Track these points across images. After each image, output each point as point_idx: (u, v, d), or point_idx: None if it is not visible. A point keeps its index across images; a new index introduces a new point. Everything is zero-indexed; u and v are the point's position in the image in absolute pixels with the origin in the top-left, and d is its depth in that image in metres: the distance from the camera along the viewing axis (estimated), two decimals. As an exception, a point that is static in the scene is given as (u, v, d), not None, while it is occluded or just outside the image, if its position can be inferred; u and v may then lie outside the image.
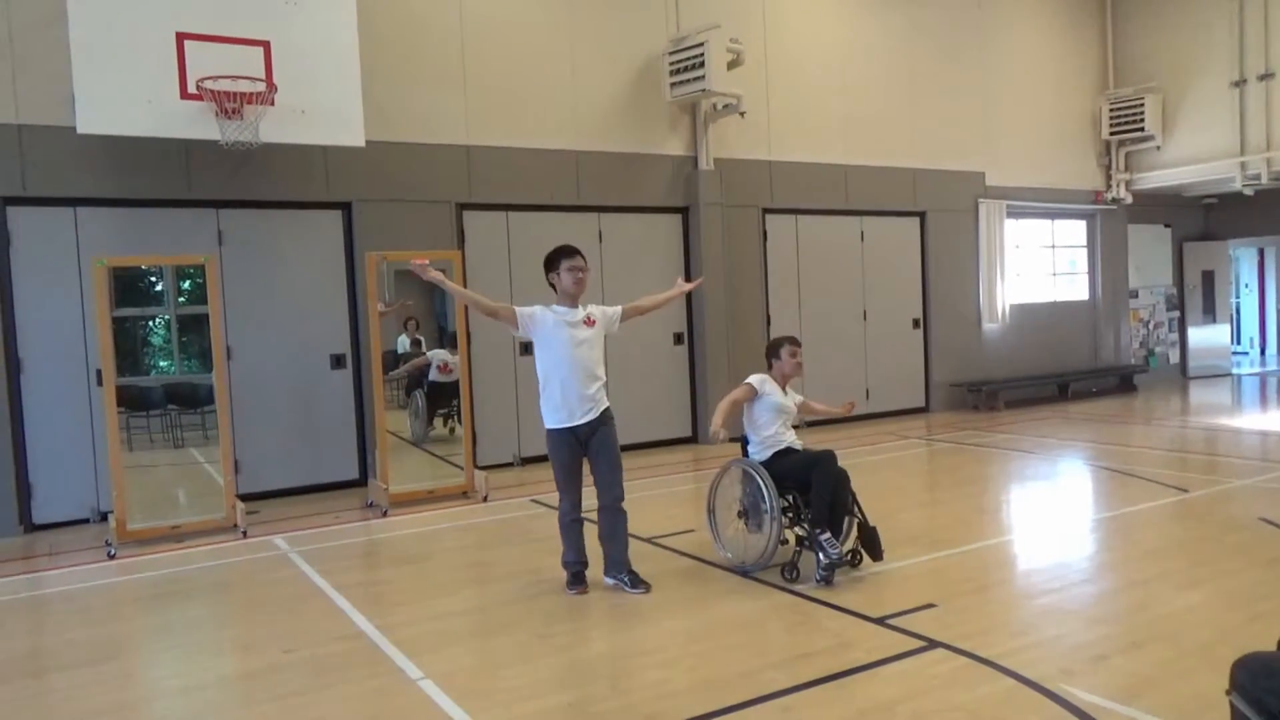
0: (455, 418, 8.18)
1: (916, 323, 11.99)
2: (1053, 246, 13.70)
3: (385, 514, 7.15)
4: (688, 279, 9.82)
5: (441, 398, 8.61)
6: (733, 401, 5.26)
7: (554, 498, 5.24)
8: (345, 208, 8.30)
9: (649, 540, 6.07)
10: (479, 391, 8.79)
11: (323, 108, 7.21)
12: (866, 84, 11.34)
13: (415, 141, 8.52)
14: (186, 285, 8.13)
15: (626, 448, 9.32)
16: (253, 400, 7.92)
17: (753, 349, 10.36)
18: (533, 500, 7.53)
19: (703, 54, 9.33)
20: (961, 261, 12.27)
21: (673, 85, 9.64)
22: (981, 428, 10.58)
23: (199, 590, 5.45)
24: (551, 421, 4.83)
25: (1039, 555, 5.54)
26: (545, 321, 4.85)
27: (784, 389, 5.42)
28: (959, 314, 12.28)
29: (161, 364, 8.20)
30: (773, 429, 5.30)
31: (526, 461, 9.08)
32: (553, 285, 4.92)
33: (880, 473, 8.02)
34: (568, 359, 4.80)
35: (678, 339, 10.19)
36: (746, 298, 10.46)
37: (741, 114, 9.82)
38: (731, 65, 9.58)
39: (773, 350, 5.47)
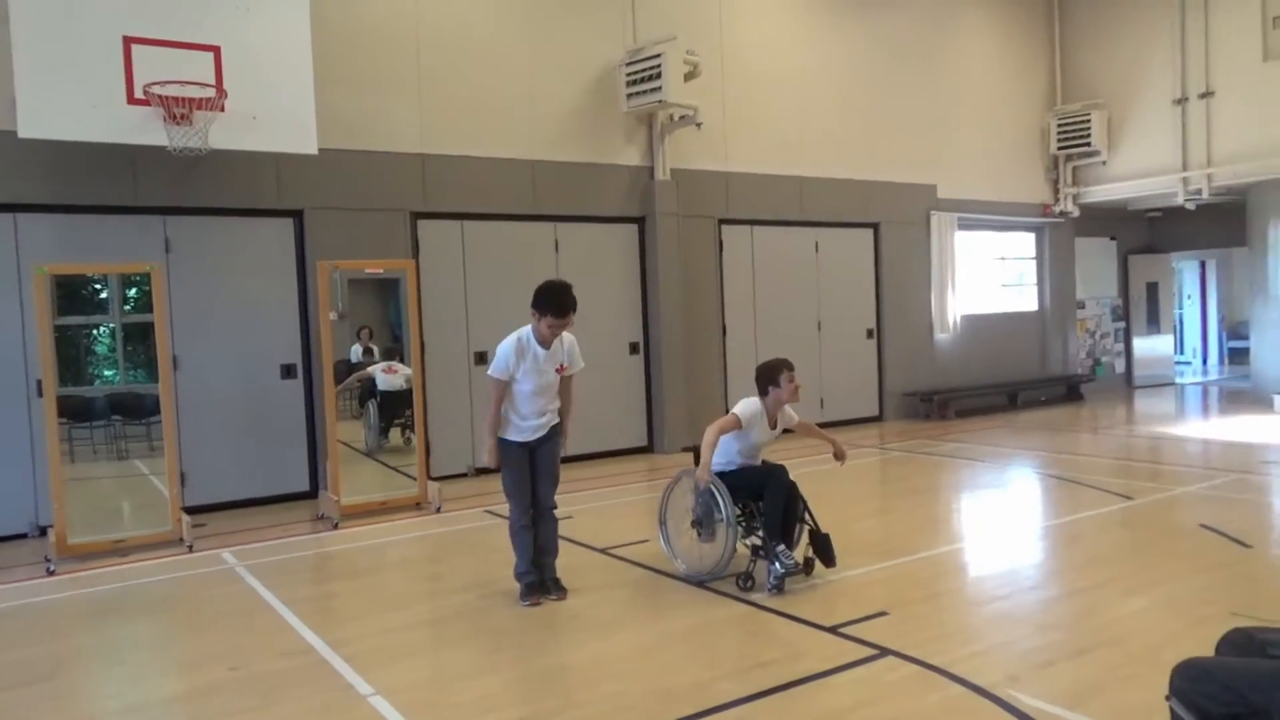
0: (410, 427, 8.15)
1: (870, 333, 12.11)
2: (1002, 258, 13.94)
3: (336, 526, 7.08)
4: (644, 289, 9.95)
5: (396, 407, 8.55)
6: (720, 431, 5.12)
7: (505, 509, 5.20)
8: (297, 215, 8.20)
9: (603, 551, 6.06)
10: (433, 401, 8.73)
11: (275, 114, 7.12)
12: (822, 97, 11.46)
13: (369, 149, 8.47)
14: (132, 293, 7.97)
15: (581, 457, 9.52)
16: (200, 411, 7.80)
17: (708, 359, 10.53)
18: (487, 511, 7.49)
19: (659, 65, 9.38)
20: (914, 272, 12.42)
21: (629, 96, 9.67)
22: (933, 436, 10.70)
23: (142, 606, 5.34)
24: (508, 434, 4.92)
25: (989, 562, 5.62)
26: (525, 360, 4.86)
27: (774, 419, 5.25)
28: (912, 324, 12.42)
29: (106, 374, 8.03)
30: (736, 458, 5.29)
31: (481, 472, 9.04)
32: (534, 316, 4.87)
33: (834, 481, 8.10)
34: (536, 391, 4.91)
35: (633, 348, 10.19)
36: (702, 307, 10.50)
37: (698, 125, 9.88)
38: (688, 77, 9.65)
39: (769, 377, 5.19)
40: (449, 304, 8.97)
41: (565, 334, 4.93)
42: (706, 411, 9.69)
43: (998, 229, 13.69)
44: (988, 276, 13.72)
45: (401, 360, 8.44)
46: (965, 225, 13.03)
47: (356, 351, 8.64)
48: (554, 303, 4.77)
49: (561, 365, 4.96)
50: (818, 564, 5.21)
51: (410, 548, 6.53)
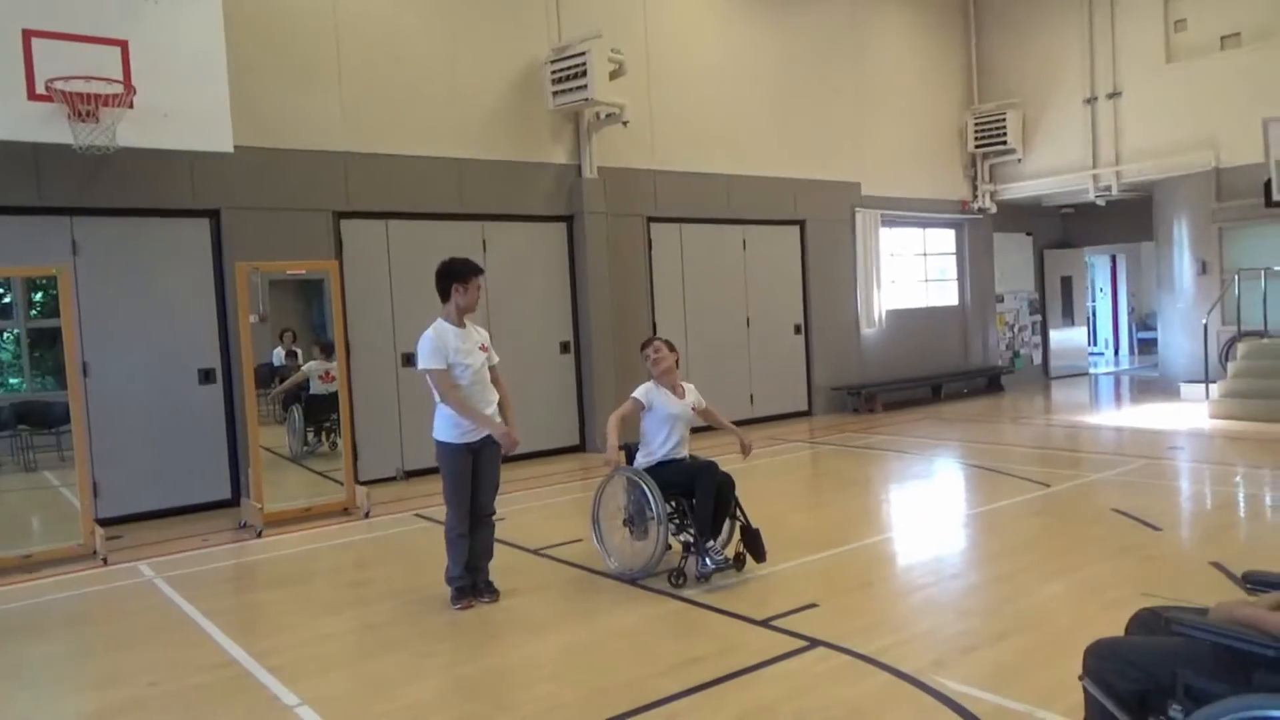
0: (336, 431, 8.04)
1: (798, 328, 12.22)
2: (924, 254, 14.24)
3: (260, 535, 6.98)
4: (573, 288, 9.95)
5: (322, 410, 8.44)
6: (620, 418, 5.28)
7: (438, 511, 5.17)
8: (213, 215, 7.99)
9: (535, 552, 6.05)
10: (360, 403, 8.60)
11: (187, 111, 6.92)
12: (747, 95, 11.55)
13: (289, 147, 8.30)
14: (39, 297, 7.68)
15: (514, 458, 9.40)
16: (113, 418, 7.55)
17: (633, 354, 10.48)
18: (416, 515, 7.42)
19: (584, 63, 9.36)
20: (840, 269, 12.56)
21: (555, 94, 9.63)
22: (861, 429, 10.85)
23: (55, 623, 5.17)
24: (449, 436, 4.86)
25: (915, 552, 5.74)
26: (449, 343, 4.87)
27: (676, 393, 5.39)
28: (838, 319, 12.55)
29: (11, 381, 7.73)
30: (664, 441, 5.33)
31: (411, 475, 8.92)
32: (445, 296, 4.94)
33: (764, 476, 8.12)
34: (472, 382, 4.89)
35: (564, 347, 10.16)
36: (632, 305, 10.49)
37: (624, 123, 9.90)
38: (614, 75, 9.63)
39: (642, 353, 5.48)
40: (374, 305, 8.85)
41: (475, 326, 5.05)
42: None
43: (919, 225, 13.97)
44: (911, 272, 14.00)
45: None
46: (888, 222, 13.27)
47: (279, 355, 8.51)
48: (464, 266, 4.94)
49: (484, 345, 5.01)
50: (749, 559, 5.26)
51: (338, 554, 6.45)
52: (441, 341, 4.85)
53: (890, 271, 13.43)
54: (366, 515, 7.43)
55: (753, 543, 5.19)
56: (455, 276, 4.93)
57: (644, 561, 5.23)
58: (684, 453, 5.42)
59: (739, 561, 5.24)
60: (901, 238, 13.78)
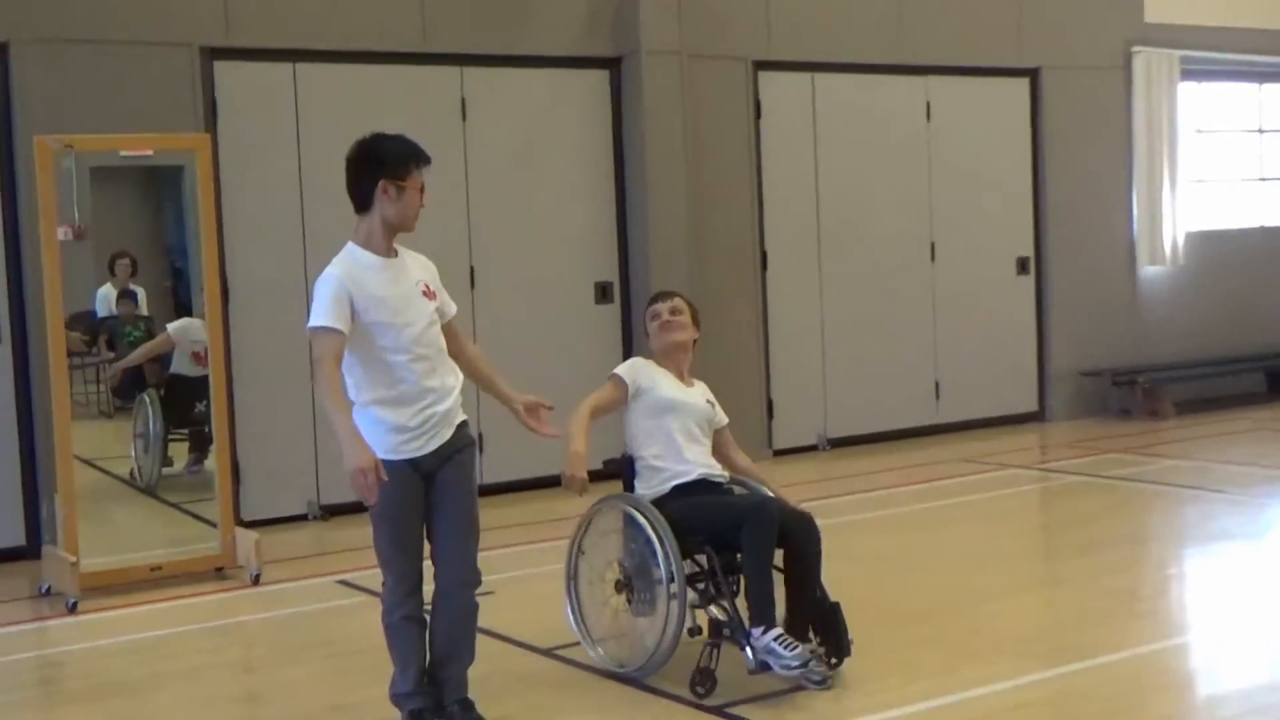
0: (207, 437, 8.11)
1: (1024, 265, 12.13)
2: (1259, 130, 13.88)
3: (73, 608, 7.07)
4: (620, 188, 9.89)
5: (188, 400, 8.53)
6: (593, 410, 5.59)
7: (373, 577, 5.21)
8: (-2, 52, 8.07)
9: (548, 652, 6.07)
10: (247, 389, 8.65)
11: None
12: None
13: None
14: None
15: (514, 485, 9.48)
16: None
17: (734, 308, 10.60)
18: (340, 582, 7.46)
19: None
20: (1101, 157, 12.40)
21: None
22: (1135, 448, 10.71)
23: None
24: (379, 445, 4.77)
25: (1234, 673, 5.65)
26: (365, 286, 4.86)
27: (680, 370, 5.74)
28: (1097, 250, 12.46)
29: None
30: (671, 449, 5.59)
31: (331, 513, 9.02)
32: (363, 204, 4.96)
33: (952, 530, 8.07)
34: (412, 346, 4.89)
35: (602, 293, 10.20)
36: (724, 220, 10.49)
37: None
38: None
39: (648, 316, 5.90)
40: (275, 210, 8.88)
41: (412, 254, 5.09)
42: (734, 397, 9.56)
43: (1254, 78, 13.61)
44: (1235, 164, 13.65)
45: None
46: (1194, 73, 12.96)
47: (107, 297, 8.63)
48: (397, 150, 4.94)
49: (427, 287, 4.99)
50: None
51: (206, 647, 6.44)
52: (352, 286, 4.83)
53: (1196, 163, 13.13)
54: (256, 580, 7.51)
55: (830, 625, 5.35)
56: (382, 168, 4.93)
57: (647, 651, 5.42)
58: (718, 472, 5.69)
59: (834, 653, 5.36)
60: (1220, 101, 13.45)
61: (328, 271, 4.90)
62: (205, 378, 8.08)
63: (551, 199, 9.93)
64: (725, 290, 10.55)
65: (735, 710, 5.03)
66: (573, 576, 5.76)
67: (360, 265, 4.89)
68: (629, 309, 10.27)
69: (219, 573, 7.65)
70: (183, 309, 8.73)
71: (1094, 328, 12.47)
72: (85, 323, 8.32)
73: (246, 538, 7.66)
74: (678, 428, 5.60)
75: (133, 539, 7.97)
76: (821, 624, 5.38)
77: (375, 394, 4.86)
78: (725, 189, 10.54)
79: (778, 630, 5.19)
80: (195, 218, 7.83)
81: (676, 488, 5.51)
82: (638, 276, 10.19)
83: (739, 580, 5.40)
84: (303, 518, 9.02)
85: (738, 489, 5.77)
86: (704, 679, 5.22)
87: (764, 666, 5.18)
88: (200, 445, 8.62)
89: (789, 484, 9.06)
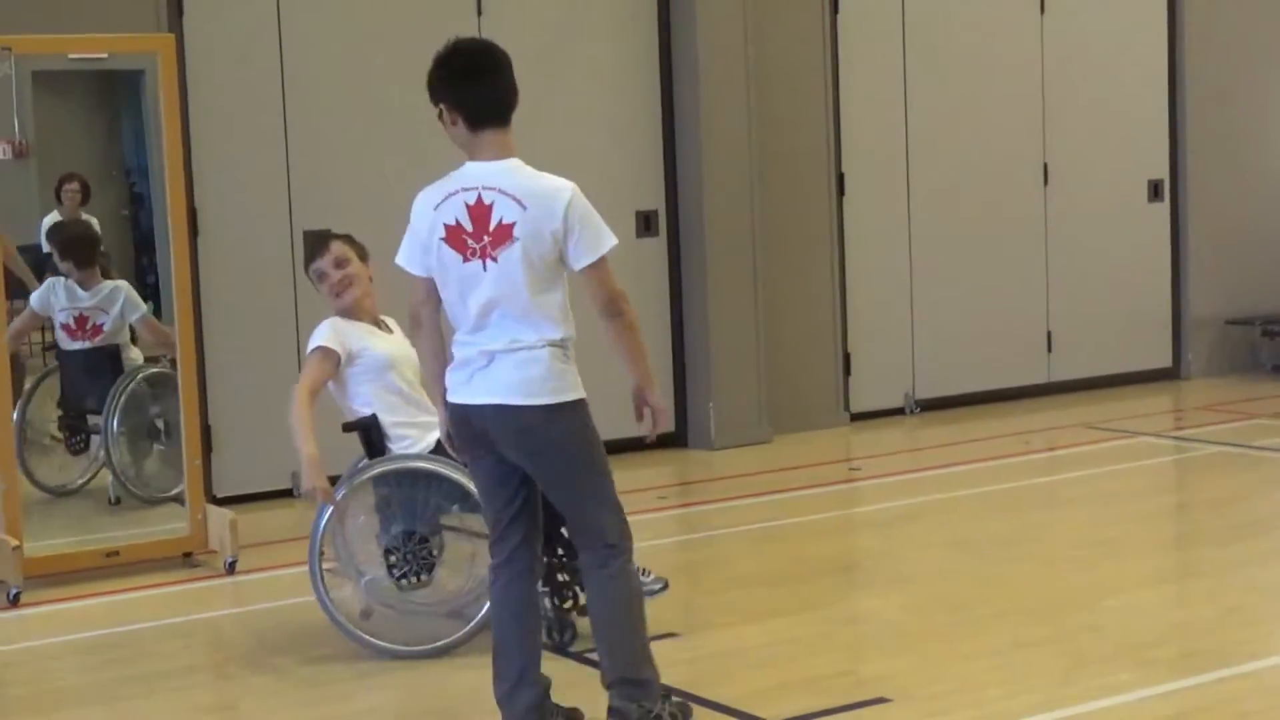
0: (110, 438, 8.15)
1: (1156, 189, 11.91)
2: None
3: (15, 599, 7.03)
4: (667, 99, 10.06)
5: (79, 387, 8.46)
6: (311, 392, 5.75)
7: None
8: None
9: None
10: (218, 345, 8.59)
11: None
12: None
13: None
14: None
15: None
16: None
17: (795, 239, 10.51)
18: (330, 570, 7.57)
19: None
20: (1258, 56, 12.22)
21: None
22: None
23: None
24: (578, 386, 4.94)
25: None
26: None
27: (381, 327, 6.02)
28: (1249, 171, 12.28)
29: None
30: (399, 401, 5.84)
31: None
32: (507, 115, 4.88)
33: (1067, 511, 8.19)
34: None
35: (645, 224, 10.05)
36: (791, 133, 10.25)
37: None
38: None
39: (310, 275, 6.18)
40: (253, 125, 8.80)
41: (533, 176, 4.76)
42: (804, 351, 10.18)
43: None
44: None
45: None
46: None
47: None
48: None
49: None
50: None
51: (170, 648, 6.36)
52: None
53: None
54: (230, 567, 7.40)
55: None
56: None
57: (463, 599, 5.78)
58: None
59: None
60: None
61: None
62: (90, 352, 8.27)
63: (582, 110, 9.76)
64: (793, 220, 10.37)
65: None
66: (318, 573, 5.86)
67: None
68: (676, 243, 10.17)
69: (187, 559, 7.66)
70: (144, 242, 8.74)
71: (1242, 266, 12.19)
72: (30, 259, 8.30)
73: (220, 517, 7.58)
74: (402, 383, 5.82)
75: (85, 520, 8.15)
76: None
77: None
78: (794, 98, 10.33)
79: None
80: (157, 133, 7.78)
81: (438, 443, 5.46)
82: (688, 204, 10.05)
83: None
84: (287, 494, 8.65)
85: None
86: (561, 628, 5.62)
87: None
88: (86, 438, 8.63)
89: (870, 455, 9.96)
